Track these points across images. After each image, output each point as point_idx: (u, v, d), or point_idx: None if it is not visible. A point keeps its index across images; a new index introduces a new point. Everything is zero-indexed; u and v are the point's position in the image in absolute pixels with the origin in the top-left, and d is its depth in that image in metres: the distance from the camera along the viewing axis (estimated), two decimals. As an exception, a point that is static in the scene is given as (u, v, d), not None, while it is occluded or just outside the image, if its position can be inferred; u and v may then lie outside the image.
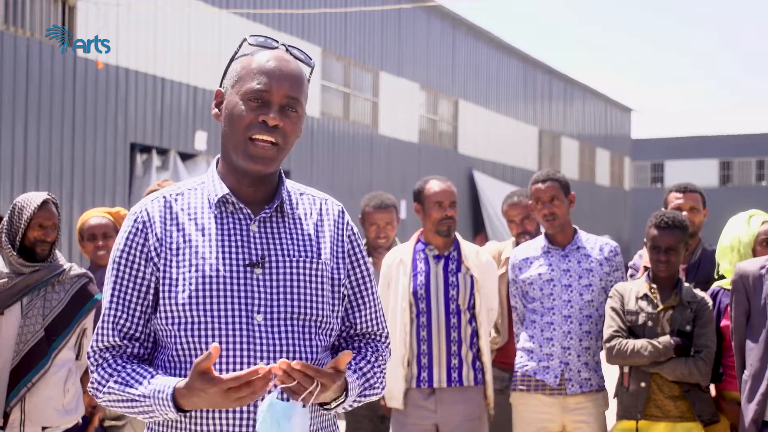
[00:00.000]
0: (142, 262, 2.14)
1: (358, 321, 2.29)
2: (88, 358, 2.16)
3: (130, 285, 2.14)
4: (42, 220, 3.96)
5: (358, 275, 2.28)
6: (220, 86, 2.23)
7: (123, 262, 2.16)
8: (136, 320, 2.14)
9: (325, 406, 2.13)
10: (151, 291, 2.14)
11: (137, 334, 2.15)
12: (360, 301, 2.28)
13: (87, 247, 4.84)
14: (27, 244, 3.97)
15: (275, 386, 2.01)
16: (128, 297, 2.14)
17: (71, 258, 11.84)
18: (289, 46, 2.22)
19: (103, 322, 2.16)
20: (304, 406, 2.01)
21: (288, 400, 2.00)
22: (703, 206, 4.85)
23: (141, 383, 2.06)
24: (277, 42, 2.22)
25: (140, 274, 2.14)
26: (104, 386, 2.11)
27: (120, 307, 2.14)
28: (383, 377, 2.29)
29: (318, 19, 18.25)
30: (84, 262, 12.03)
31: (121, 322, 2.14)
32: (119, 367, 2.12)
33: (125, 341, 2.14)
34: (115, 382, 2.10)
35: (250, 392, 1.94)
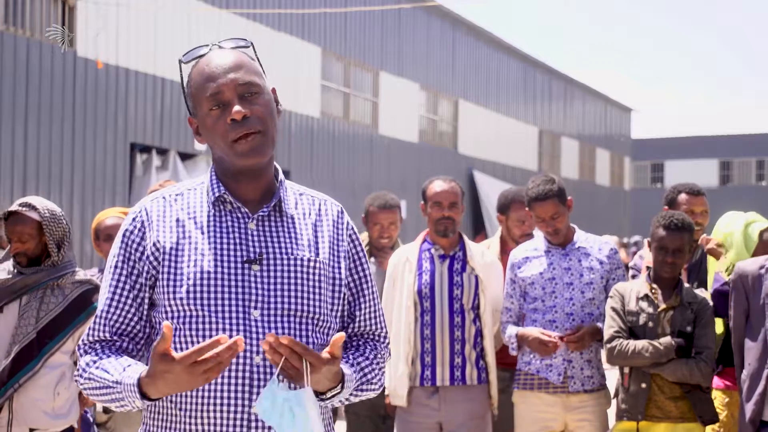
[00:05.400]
0: (139, 260, 2.18)
1: (357, 320, 2.31)
2: (78, 349, 2.19)
3: (127, 282, 2.18)
4: (8, 235, 3.97)
5: (359, 275, 2.31)
6: (189, 116, 2.26)
7: (121, 259, 2.20)
8: (129, 317, 2.18)
9: (321, 396, 2.12)
10: (147, 288, 2.17)
11: (128, 329, 2.19)
12: (359, 301, 2.31)
13: (103, 247, 4.82)
14: None
15: (272, 374, 2.02)
16: (123, 294, 2.18)
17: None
18: (216, 42, 2.25)
19: (97, 317, 2.19)
20: (294, 388, 1.98)
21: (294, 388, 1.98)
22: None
23: (117, 370, 2.08)
24: (205, 46, 2.24)
25: (135, 272, 2.18)
26: (86, 372, 2.14)
27: (115, 304, 2.18)
28: (382, 375, 2.30)
29: (318, 19, 18.25)
30: (84, 263, 12.04)
31: (114, 318, 2.18)
32: (104, 356, 2.15)
33: (115, 336, 2.18)
34: (97, 368, 2.12)
35: (217, 363, 1.93)
